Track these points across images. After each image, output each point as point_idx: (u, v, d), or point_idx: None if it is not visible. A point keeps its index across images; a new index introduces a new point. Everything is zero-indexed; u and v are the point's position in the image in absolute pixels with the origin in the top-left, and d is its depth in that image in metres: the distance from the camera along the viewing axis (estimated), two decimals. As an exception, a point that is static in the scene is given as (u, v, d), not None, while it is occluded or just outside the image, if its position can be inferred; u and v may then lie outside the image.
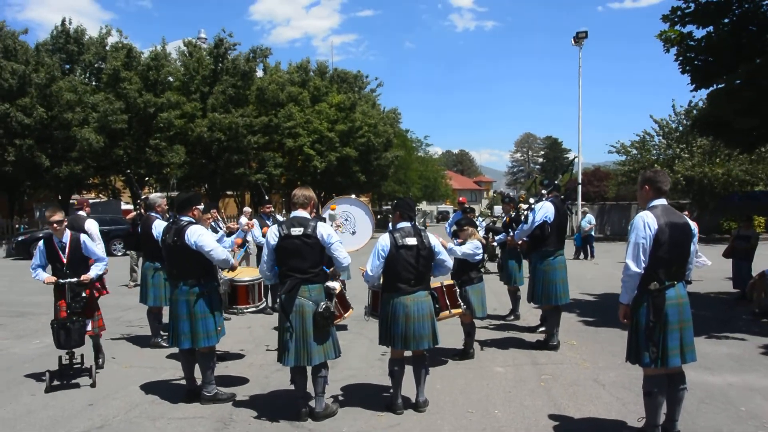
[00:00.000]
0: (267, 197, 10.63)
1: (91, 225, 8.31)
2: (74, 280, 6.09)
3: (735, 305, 10.79)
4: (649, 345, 4.34)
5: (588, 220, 20.85)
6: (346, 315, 6.84)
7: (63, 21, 29.13)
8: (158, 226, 7.37)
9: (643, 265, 4.33)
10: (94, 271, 6.39)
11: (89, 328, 6.31)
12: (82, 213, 8.74)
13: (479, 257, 6.87)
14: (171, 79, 31.48)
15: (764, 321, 9.22)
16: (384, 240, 5.22)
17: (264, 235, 9.42)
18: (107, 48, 30.18)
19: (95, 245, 6.64)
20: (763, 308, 9.55)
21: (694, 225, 4.62)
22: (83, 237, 6.37)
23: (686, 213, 5.39)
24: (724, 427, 4.94)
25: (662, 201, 4.51)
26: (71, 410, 5.39)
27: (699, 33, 9.95)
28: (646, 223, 4.34)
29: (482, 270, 7.30)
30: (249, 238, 10.01)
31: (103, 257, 6.61)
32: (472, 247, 6.75)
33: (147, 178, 30.92)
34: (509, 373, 6.55)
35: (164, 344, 7.67)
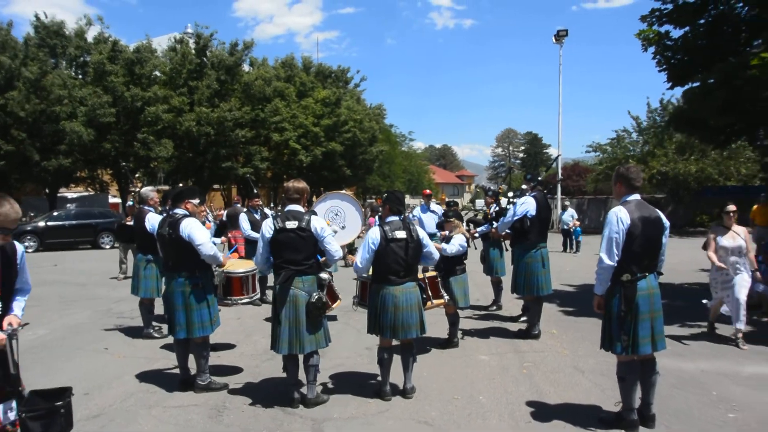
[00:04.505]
0: (255, 191, 10.76)
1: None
2: (20, 328, 3.52)
3: (707, 296, 11.10)
4: (621, 334, 4.59)
5: (571, 215, 21.25)
6: (334, 306, 7.01)
7: (36, 15, 28.73)
8: (151, 219, 7.52)
9: (616, 258, 4.56)
10: (19, 307, 3.66)
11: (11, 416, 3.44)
12: None
13: (465, 249, 7.16)
14: (158, 73, 31.39)
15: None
16: (374, 233, 5.41)
17: (253, 229, 9.69)
18: (90, 41, 29.92)
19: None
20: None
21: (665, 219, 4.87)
22: (21, 247, 3.68)
23: None
24: (695, 410, 5.20)
25: (635, 196, 4.74)
26: (69, 399, 5.52)
27: (676, 33, 10.27)
28: (619, 218, 4.57)
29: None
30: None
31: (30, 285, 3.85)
32: (458, 244, 7.04)
33: (137, 174, 30.89)
34: (493, 361, 6.80)
35: (156, 335, 7.84)
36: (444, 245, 6.98)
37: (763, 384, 5.92)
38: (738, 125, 10.49)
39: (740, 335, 7.34)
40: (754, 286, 7.83)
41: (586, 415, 5.06)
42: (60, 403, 3.64)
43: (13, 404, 3.39)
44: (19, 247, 3.51)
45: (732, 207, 7.69)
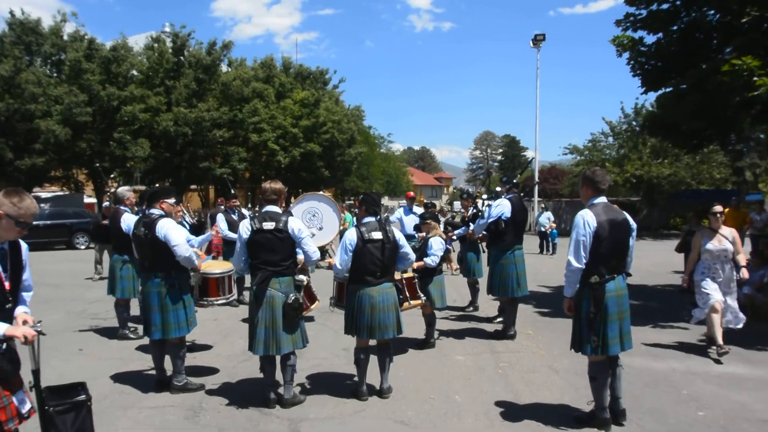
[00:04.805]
0: (233, 191, 10.73)
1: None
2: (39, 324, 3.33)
3: (680, 297, 11.32)
4: (591, 335, 4.67)
5: (547, 217, 21.53)
6: (312, 307, 7.04)
7: (12, 12, 28.30)
8: (127, 220, 7.48)
9: (584, 260, 4.63)
10: (27, 304, 3.61)
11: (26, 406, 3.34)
12: None
13: (443, 251, 7.25)
14: (135, 72, 31.15)
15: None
16: (351, 234, 5.46)
17: (230, 229, 9.67)
18: (65, 38, 29.62)
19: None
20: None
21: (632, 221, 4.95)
22: (24, 243, 3.58)
23: (615, 207, 5.70)
24: (667, 408, 5.32)
25: (602, 199, 4.82)
26: (43, 400, 5.47)
27: (650, 39, 10.46)
28: (585, 221, 4.64)
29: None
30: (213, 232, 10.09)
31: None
32: (438, 250, 7.13)
33: (113, 174, 30.64)
34: (469, 361, 6.87)
35: (132, 336, 7.79)
36: (427, 259, 7.05)
37: (731, 383, 6.07)
38: (709, 130, 10.71)
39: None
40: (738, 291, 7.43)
41: (559, 414, 5.15)
42: (84, 396, 3.68)
43: (23, 396, 3.35)
44: (23, 243, 3.52)
45: (718, 208, 7.29)
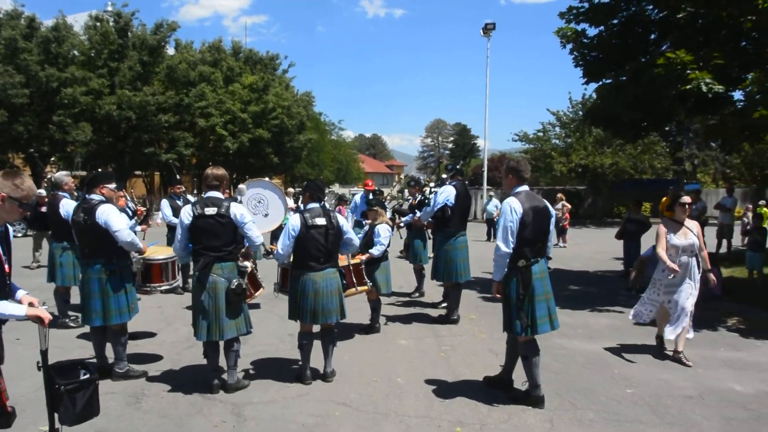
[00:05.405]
0: (178, 177, 10.56)
1: None
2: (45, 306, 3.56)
3: (618, 282, 11.76)
4: (521, 315, 4.91)
5: (495, 205, 21.91)
6: (257, 294, 7.06)
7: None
8: (66, 205, 7.29)
9: (512, 245, 4.87)
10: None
11: None
12: None
13: (390, 238, 7.37)
14: (76, 53, 30.09)
15: (641, 296, 10.15)
16: (294, 220, 5.49)
17: (175, 215, 9.54)
18: (1, 15, 28.38)
19: None
20: (639, 286, 10.43)
21: (551, 208, 5.28)
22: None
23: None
24: (599, 387, 5.59)
25: (525, 187, 5.09)
26: (-23, 389, 5.34)
27: (592, 31, 10.75)
28: (512, 208, 4.89)
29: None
30: (159, 219, 9.97)
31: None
32: (384, 237, 7.26)
33: (52, 158, 29.59)
34: (412, 345, 7.01)
35: (72, 324, 7.63)
36: (373, 250, 7.17)
37: (660, 363, 6.40)
38: (647, 121, 11.12)
39: (681, 349, 6.44)
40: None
41: (497, 395, 5.32)
42: (90, 376, 3.76)
43: None
44: (9, 226, 3.53)
45: (687, 198, 6.62)
